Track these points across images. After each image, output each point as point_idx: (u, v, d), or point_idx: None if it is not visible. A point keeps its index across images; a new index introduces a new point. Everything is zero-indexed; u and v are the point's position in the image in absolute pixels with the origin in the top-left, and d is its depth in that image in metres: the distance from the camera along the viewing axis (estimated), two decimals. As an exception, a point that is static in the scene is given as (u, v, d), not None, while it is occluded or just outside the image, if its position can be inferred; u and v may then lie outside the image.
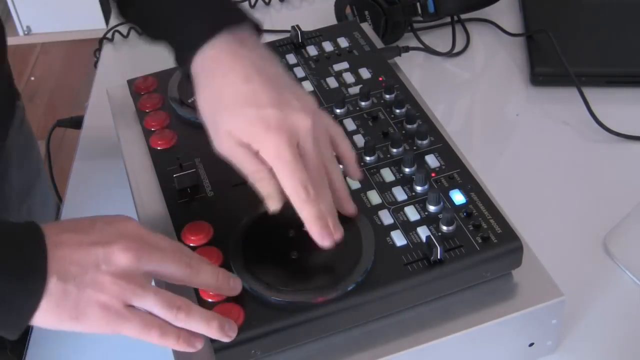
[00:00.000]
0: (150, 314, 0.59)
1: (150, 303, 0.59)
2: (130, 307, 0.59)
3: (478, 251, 0.67)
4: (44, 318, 0.58)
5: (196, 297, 0.64)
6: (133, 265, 0.59)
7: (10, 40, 1.01)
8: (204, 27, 0.68)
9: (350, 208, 0.68)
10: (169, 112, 0.83)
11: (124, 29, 1.15)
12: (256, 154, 0.65)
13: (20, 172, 0.90)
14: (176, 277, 0.61)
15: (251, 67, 0.67)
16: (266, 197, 0.66)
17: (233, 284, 0.64)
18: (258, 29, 0.71)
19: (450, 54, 1.07)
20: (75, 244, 0.59)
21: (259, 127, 0.64)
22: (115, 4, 0.78)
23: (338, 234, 0.65)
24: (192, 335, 0.61)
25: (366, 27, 0.94)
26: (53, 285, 0.57)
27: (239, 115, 0.65)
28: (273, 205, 0.65)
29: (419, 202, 0.71)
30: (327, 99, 0.83)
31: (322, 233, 0.64)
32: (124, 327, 0.59)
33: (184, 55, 0.69)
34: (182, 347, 0.60)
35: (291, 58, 0.89)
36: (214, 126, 0.67)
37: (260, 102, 0.65)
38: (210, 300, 0.64)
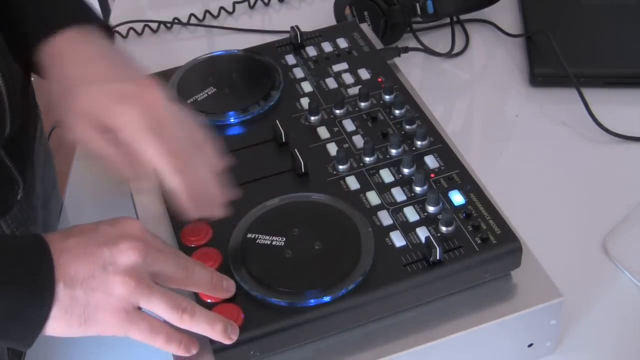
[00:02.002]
0: (156, 318, 0.60)
1: (157, 304, 0.59)
2: (138, 309, 0.59)
3: (477, 252, 0.67)
4: (54, 326, 0.58)
5: (195, 298, 0.64)
6: (139, 264, 0.59)
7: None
8: (53, 21, 0.70)
9: (223, 192, 0.67)
10: (169, 113, 0.83)
11: (122, 30, 1.15)
12: (112, 139, 0.64)
13: (42, 185, 0.91)
14: (174, 279, 0.62)
15: (98, 50, 0.69)
16: (125, 180, 0.66)
17: (227, 285, 0.64)
18: (109, 31, 0.73)
19: (449, 55, 1.07)
20: (80, 248, 0.59)
21: (115, 99, 0.64)
22: None
23: (218, 210, 0.66)
24: (190, 341, 0.61)
25: (365, 27, 0.94)
26: (60, 291, 0.57)
27: (94, 90, 0.65)
28: (139, 185, 0.66)
29: (418, 202, 0.71)
30: (327, 100, 0.83)
31: (192, 205, 0.64)
32: (131, 330, 0.59)
33: (31, 45, 0.70)
34: (181, 352, 0.61)
35: (290, 59, 0.89)
36: (67, 109, 0.66)
37: (113, 77, 0.65)
38: (209, 301, 0.64)
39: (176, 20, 1.16)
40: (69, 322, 0.58)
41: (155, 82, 0.67)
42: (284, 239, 0.68)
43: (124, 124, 0.63)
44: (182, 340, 0.61)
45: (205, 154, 0.66)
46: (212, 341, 0.62)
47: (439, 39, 1.10)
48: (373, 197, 0.72)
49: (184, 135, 0.65)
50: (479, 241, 0.67)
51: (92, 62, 0.68)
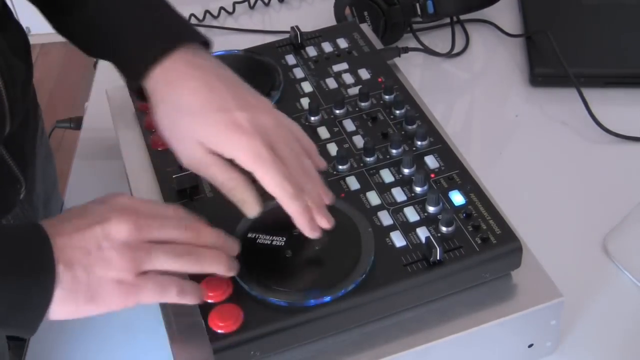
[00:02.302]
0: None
1: (161, 257, 0.60)
2: (141, 275, 0.60)
3: (477, 252, 0.67)
4: (60, 308, 0.58)
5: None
6: (133, 236, 0.60)
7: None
8: (162, 42, 0.69)
9: (328, 197, 0.68)
10: (169, 113, 0.83)
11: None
12: (226, 162, 0.65)
13: (42, 184, 0.91)
14: (180, 241, 0.62)
15: (210, 74, 0.68)
16: (243, 204, 0.66)
17: (232, 244, 0.65)
18: (209, 45, 0.72)
19: (449, 55, 1.07)
20: (73, 229, 0.59)
21: (232, 131, 0.64)
22: (46, 15, 0.77)
23: (329, 221, 0.66)
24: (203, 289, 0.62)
25: (365, 28, 0.94)
26: (61, 273, 0.58)
27: (210, 121, 0.65)
28: (252, 211, 0.66)
29: (419, 203, 0.71)
30: (327, 100, 0.83)
31: (310, 225, 0.65)
32: (141, 295, 0.60)
33: (141, 69, 0.69)
34: (197, 300, 0.62)
35: (290, 59, 0.89)
36: (180, 137, 0.67)
37: (228, 107, 0.65)
38: (209, 301, 0.64)
39: (176, 21, 1.16)
40: (75, 302, 0.58)
41: (264, 101, 0.68)
42: (284, 239, 0.68)
43: (236, 153, 0.64)
44: (197, 288, 0.61)
45: (311, 165, 0.67)
46: (212, 341, 0.62)
47: (439, 39, 1.10)
48: (373, 197, 0.72)
49: (294, 151, 0.66)
50: (479, 241, 0.67)
51: (201, 87, 0.66)
